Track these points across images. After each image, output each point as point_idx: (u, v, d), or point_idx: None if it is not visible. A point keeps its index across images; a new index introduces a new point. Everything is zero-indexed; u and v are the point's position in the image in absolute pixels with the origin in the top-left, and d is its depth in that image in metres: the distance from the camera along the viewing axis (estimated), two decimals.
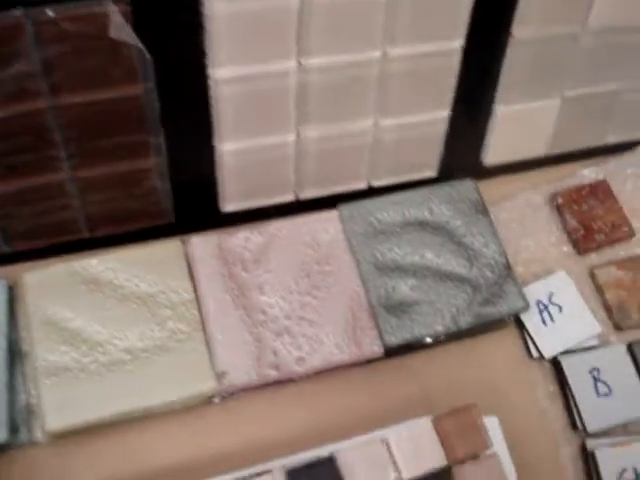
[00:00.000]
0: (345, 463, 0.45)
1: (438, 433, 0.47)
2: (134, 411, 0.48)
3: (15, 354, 0.49)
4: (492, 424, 0.49)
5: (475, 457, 0.47)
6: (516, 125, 0.57)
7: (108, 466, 0.49)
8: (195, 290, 0.52)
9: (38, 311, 0.50)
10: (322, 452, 0.45)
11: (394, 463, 0.46)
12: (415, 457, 0.46)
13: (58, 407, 0.48)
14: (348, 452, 0.45)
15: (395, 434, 0.46)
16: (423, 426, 0.47)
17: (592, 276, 0.59)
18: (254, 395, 0.52)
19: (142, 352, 0.50)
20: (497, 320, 0.54)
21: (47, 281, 0.51)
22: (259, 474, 0.44)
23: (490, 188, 0.60)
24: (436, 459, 0.46)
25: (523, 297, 0.54)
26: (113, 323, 0.50)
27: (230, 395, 0.51)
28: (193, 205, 0.53)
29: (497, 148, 0.59)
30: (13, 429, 0.47)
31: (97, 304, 0.51)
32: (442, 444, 0.47)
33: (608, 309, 0.58)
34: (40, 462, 0.49)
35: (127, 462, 0.49)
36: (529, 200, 0.61)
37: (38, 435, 0.49)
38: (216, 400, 0.51)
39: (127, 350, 0.50)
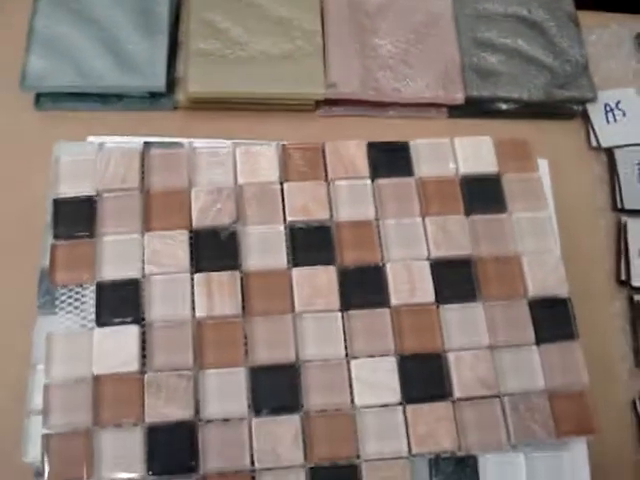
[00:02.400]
0: (415, 150, 0.56)
1: (497, 151, 0.57)
2: (257, 94, 0.60)
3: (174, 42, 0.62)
4: (542, 166, 0.58)
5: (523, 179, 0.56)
6: None
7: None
8: (323, 24, 0.64)
9: (198, 11, 0.63)
10: None
11: (455, 157, 0.56)
12: (473, 158, 0.56)
13: (200, 78, 0.60)
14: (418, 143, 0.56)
15: (461, 141, 0.57)
16: (485, 140, 0.57)
17: None
18: (352, 118, 0.63)
19: (273, 57, 0.62)
20: (567, 103, 0.64)
21: None
22: None
23: (585, 17, 0.69)
24: (490, 165, 0.56)
25: (593, 89, 0.64)
26: (254, 31, 0.63)
27: (333, 109, 0.62)
28: None
29: None
30: (169, 84, 0.60)
31: (245, 16, 0.63)
32: (497, 158, 0.56)
33: None
34: (175, 123, 0.62)
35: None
36: (617, 32, 0.70)
37: (180, 97, 0.61)
38: (321, 112, 0.63)
39: (261, 51, 0.62)
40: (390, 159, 0.55)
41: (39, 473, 0.47)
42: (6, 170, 0.58)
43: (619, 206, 0.62)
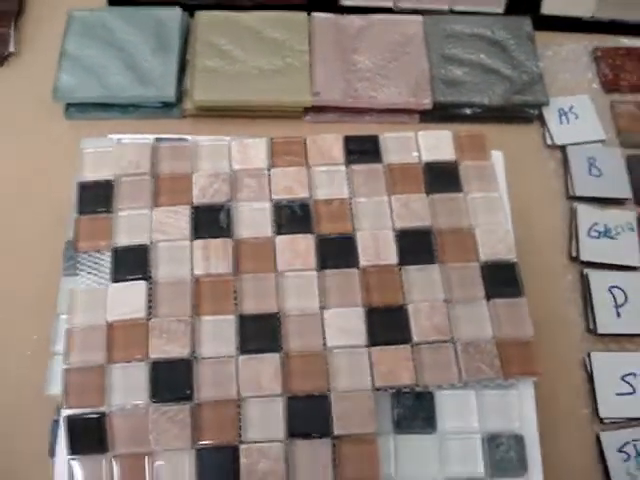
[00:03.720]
0: (384, 142, 0.66)
1: (455, 143, 0.66)
2: (253, 102, 0.71)
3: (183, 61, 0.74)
4: (497, 158, 0.68)
5: (477, 166, 0.66)
6: None
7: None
8: (310, 44, 0.75)
9: (203, 35, 0.74)
10: None
11: (418, 147, 0.66)
12: (434, 149, 0.66)
13: (204, 88, 0.71)
14: (386, 136, 0.66)
15: (424, 134, 0.67)
16: (445, 134, 0.67)
17: (612, 107, 0.77)
18: (335, 124, 0.74)
19: (267, 71, 0.73)
20: (524, 107, 0.73)
21: (212, 20, 0.75)
22: None
23: (543, 37, 0.79)
24: (448, 154, 0.66)
25: (546, 95, 0.73)
26: (251, 52, 0.74)
27: (318, 116, 0.73)
28: None
29: (553, 1, 0.79)
30: (178, 95, 0.71)
31: (244, 39, 0.74)
32: (455, 149, 0.66)
33: (618, 132, 0.75)
34: (183, 129, 0.72)
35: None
36: (573, 49, 0.80)
37: (188, 106, 0.72)
38: (308, 118, 0.74)
39: (257, 68, 0.73)
40: (362, 149, 0.65)
41: (59, 407, 0.56)
42: (40, 168, 0.69)
43: (571, 194, 0.71)
